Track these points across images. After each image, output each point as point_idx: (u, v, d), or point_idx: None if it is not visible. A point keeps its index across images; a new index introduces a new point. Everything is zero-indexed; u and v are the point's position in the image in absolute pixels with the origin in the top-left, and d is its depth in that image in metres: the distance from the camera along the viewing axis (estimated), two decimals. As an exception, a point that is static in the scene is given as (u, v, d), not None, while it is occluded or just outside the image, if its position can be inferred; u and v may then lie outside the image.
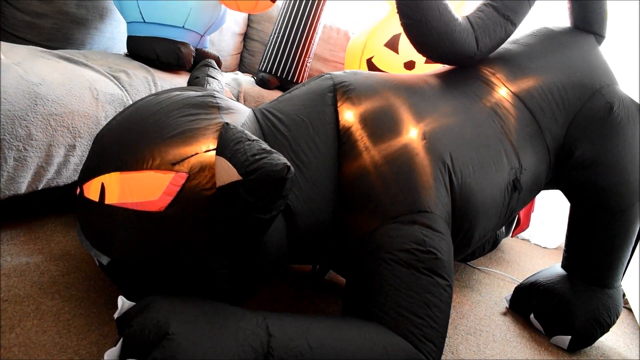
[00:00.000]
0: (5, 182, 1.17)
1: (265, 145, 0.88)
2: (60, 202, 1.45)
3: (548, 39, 1.56)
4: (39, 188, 1.28)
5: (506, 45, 1.57)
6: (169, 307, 0.83)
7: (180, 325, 0.79)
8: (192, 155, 0.93)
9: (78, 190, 1.02)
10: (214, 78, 1.31)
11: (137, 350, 0.79)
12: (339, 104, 1.21)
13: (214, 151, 0.93)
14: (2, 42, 1.41)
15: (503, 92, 1.41)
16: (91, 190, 0.96)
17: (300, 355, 0.85)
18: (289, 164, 0.83)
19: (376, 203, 1.11)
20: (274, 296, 1.36)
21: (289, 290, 1.42)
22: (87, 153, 1.06)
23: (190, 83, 1.30)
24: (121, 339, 0.82)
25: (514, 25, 1.45)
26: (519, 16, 1.45)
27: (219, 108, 1.05)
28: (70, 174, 1.33)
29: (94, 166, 0.98)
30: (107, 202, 0.93)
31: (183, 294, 0.93)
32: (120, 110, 1.23)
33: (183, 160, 0.92)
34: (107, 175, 0.94)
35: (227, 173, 0.86)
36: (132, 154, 0.93)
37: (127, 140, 0.96)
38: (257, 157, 0.84)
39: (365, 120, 1.18)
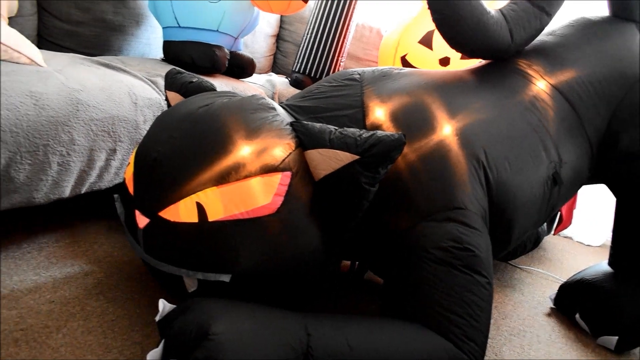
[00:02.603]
0: (50, 186, 1.20)
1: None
2: (103, 205, 1.48)
3: (586, 28, 1.51)
4: (82, 192, 1.31)
5: (542, 37, 1.52)
6: (210, 309, 0.84)
7: (220, 326, 0.79)
8: (290, 154, 0.97)
9: (145, 222, 0.96)
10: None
11: (178, 351, 0.80)
12: (367, 102, 1.20)
13: (300, 147, 0.99)
14: (43, 51, 1.45)
15: (541, 84, 1.37)
16: (181, 213, 0.92)
17: (340, 354, 0.85)
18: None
19: (410, 201, 1.10)
20: (311, 297, 1.36)
21: (326, 290, 1.41)
22: (137, 172, 1.01)
23: (187, 89, 1.22)
24: (163, 340, 0.84)
25: (549, 16, 1.41)
26: (554, 6, 1.40)
27: (274, 109, 1.08)
28: (111, 178, 1.36)
29: (171, 188, 0.93)
30: (211, 219, 0.91)
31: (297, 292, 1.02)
32: (158, 115, 1.24)
33: (284, 160, 0.96)
34: (200, 193, 0.91)
35: (334, 159, 0.95)
36: (224, 166, 0.92)
37: (209, 153, 0.94)
38: (364, 135, 0.95)
39: (397, 118, 1.17)
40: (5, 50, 1.23)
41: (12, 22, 1.58)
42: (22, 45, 1.28)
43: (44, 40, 1.82)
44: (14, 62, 1.25)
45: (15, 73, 1.16)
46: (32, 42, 1.38)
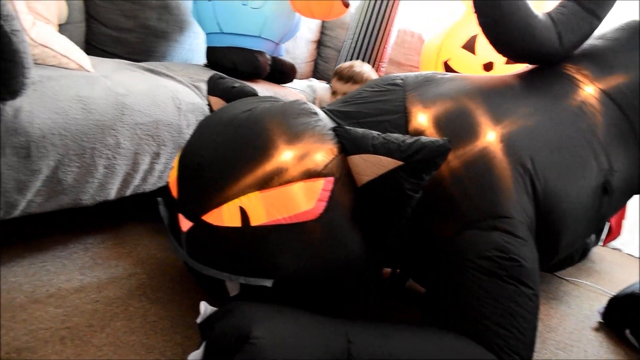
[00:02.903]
0: (96, 188, 1.23)
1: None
2: (146, 208, 1.50)
3: (638, 32, 1.46)
4: (127, 194, 1.34)
5: (592, 40, 1.47)
6: (251, 312, 0.84)
7: (261, 330, 0.79)
8: (333, 159, 0.96)
9: (189, 225, 0.97)
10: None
11: (219, 354, 0.80)
12: (410, 108, 1.19)
13: (342, 152, 0.98)
14: (91, 56, 1.49)
15: (590, 89, 1.32)
16: (225, 217, 0.92)
17: (380, 363, 0.84)
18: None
19: (454, 209, 1.07)
20: (352, 304, 1.34)
21: (367, 297, 1.40)
22: (181, 177, 1.03)
23: (229, 94, 1.23)
24: (204, 343, 0.84)
25: (599, 19, 1.36)
26: (604, 9, 1.35)
27: (317, 113, 1.07)
28: (155, 181, 1.39)
29: (215, 193, 0.94)
30: (253, 224, 0.91)
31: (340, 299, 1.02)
32: (201, 120, 1.25)
33: (326, 165, 0.95)
34: (243, 197, 0.91)
35: (377, 165, 0.94)
36: (267, 170, 0.92)
37: (252, 157, 0.94)
38: (408, 141, 0.93)
39: (440, 124, 1.14)
40: (55, 56, 1.27)
41: (62, 29, 1.63)
42: (71, 51, 1.32)
43: (91, 46, 1.87)
44: (63, 67, 1.29)
45: (65, 78, 1.20)
46: (81, 48, 1.42)
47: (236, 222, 0.91)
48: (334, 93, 1.85)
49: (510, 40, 1.27)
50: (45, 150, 1.08)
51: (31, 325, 0.99)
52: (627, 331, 1.46)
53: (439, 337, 0.94)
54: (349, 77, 1.81)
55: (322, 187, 0.93)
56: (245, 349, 0.77)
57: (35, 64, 1.22)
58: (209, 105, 1.31)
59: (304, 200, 0.91)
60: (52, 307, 1.05)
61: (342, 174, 0.96)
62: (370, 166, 0.95)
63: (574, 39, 1.35)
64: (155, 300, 1.15)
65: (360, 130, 1.00)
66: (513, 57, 1.34)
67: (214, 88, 1.27)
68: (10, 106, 1.03)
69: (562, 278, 1.91)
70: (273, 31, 1.94)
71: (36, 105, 1.07)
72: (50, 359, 0.91)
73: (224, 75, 1.33)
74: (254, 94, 1.23)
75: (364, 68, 1.85)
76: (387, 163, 0.92)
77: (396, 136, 0.96)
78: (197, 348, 0.85)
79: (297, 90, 2.17)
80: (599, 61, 1.39)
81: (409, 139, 0.94)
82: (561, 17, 1.32)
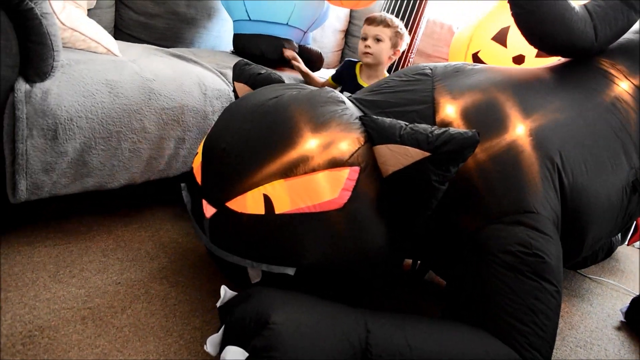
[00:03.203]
0: (121, 172, 1.24)
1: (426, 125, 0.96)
2: (170, 192, 1.52)
3: None
4: (151, 179, 1.35)
5: (629, 35, 1.43)
6: (270, 298, 0.84)
7: (280, 316, 0.79)
8: (359, 148, 0.95)
9: (212, 212, 0.97)
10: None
11: (237, 338, 0.81)
12: (438, 98, 1.17)
13: (369, 142, 0.97)
14: (119, 41, 1.50)
15: (624, 85, 1.28)
16: (248, 205, 0.92)
17: (398, 353, 0.83)
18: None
19: (479, 202, 1.06)
20: (371, 294, 1.34)
21: (386, 288, 1.39)
22: (205, 162, 1.03)
23: (255, 80, 1.22)
24: (223, 327, 0.85)
25: (638, 12, 1.32)
26: None
27: (344, 102, 1.06)
28: (179, 166, 1.39)
29: (239, 179, 0.94)
30: (277, 212, 0.91)
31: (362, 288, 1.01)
32: (227, 106, 1.25)
33: (352, 154, 0.94)
34: (267, 185, 0.91)
35: (404, 155, 0.92)
36: (292, 158, 0.92)
37: (278, 145, 0.94)
38: (436, 132, 0.91)
39: (468, 116, 1.12)
40: (84, 40, 1.29)
41: (91, 13, 1.65)
42: (100, 36, 1.33)
43: (120, 31, 1.89)
44: (91, 52, 1.30)
45: (93, 62, 1.21)
46: (109, 33, 1.43)
47: (260, 210, 0.91)
48: (364, 38, 1.83)
49: (545, 32, 1.23)
50: (72, 133, 1.09)
51: (54, 304, 1.01)
52: (651, 332, 1.43)
53: (458, 330, 0.93)
54: (381, 21, 1.79)
55: (347, 176, 0.92)
56: (264, 333, 0.77)
57: (65, 47, 1.23)
58: (235, 91, 1.31)
59: (328, 190, 0.90)
60: (74, 288, 1.07)
61: (368, 164, 0.95)
62: (396, 156, 0.93)
63: (611, 32, 1.30)
64: (176, 283, 1.16)
65: (387, 119, 0.98)
66: (547, 50, 1.31)
67: (239, 74, 1.27)
68: (39, 88, 1.04)
69: (585, 276, 1.88)
70: (301, 19, 1.93)
71: (64, 88, 1.09)
72: (71, 338, 0.93)
73: (250, 61, 1.32)
74: (280, 80, 1.22)
75: (393, 17, 1.83)
76: (414, 154, 0.91)
77: (424, 127, 0.94)
78: (216, 332, 0.85)
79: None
80: (635, 56, 1.34)
81: (437, 130, 0.92)
82: (598, 9, 1.28)
